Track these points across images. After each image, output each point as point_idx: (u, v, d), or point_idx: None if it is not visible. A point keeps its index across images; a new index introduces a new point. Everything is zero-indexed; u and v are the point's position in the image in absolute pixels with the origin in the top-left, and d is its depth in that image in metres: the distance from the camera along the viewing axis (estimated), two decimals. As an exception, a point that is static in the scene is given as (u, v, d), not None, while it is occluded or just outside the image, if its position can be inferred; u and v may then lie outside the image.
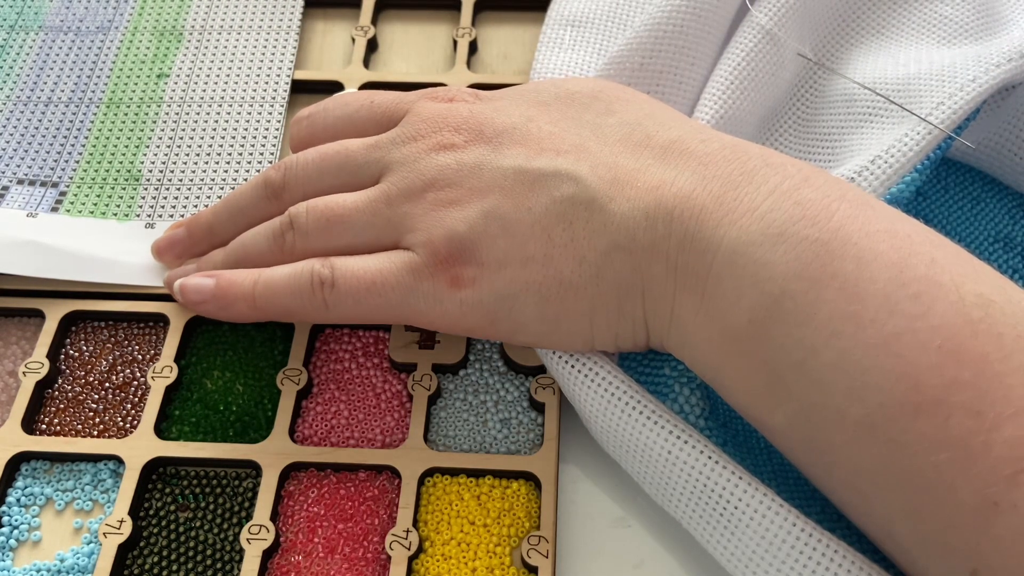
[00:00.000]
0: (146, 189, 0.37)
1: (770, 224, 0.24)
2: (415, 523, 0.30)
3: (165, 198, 0.37)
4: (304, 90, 0.41)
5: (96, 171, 0.38)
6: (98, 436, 0.32)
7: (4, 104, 0.40)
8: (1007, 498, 0.21)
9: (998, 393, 0.21)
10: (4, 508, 0.31)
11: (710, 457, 0.26)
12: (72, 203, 0.37)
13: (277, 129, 0.39)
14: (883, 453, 0.23)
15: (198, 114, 0.39)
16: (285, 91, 0.40)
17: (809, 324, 0.23)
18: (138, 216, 0.37)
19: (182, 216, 0.37)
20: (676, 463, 0.27)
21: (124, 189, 0.37)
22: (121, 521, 0.30)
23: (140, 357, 0.34)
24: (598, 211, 0.26)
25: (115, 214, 0.37)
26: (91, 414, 0.33)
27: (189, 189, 0.37)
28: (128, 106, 0.40)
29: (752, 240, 0.24)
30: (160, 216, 0.37)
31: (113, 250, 0.35)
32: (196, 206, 0.37)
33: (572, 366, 0.29)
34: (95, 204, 0.37)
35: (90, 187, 0.38)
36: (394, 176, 0.29)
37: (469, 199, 0.28)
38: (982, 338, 0.22)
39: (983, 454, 0.21)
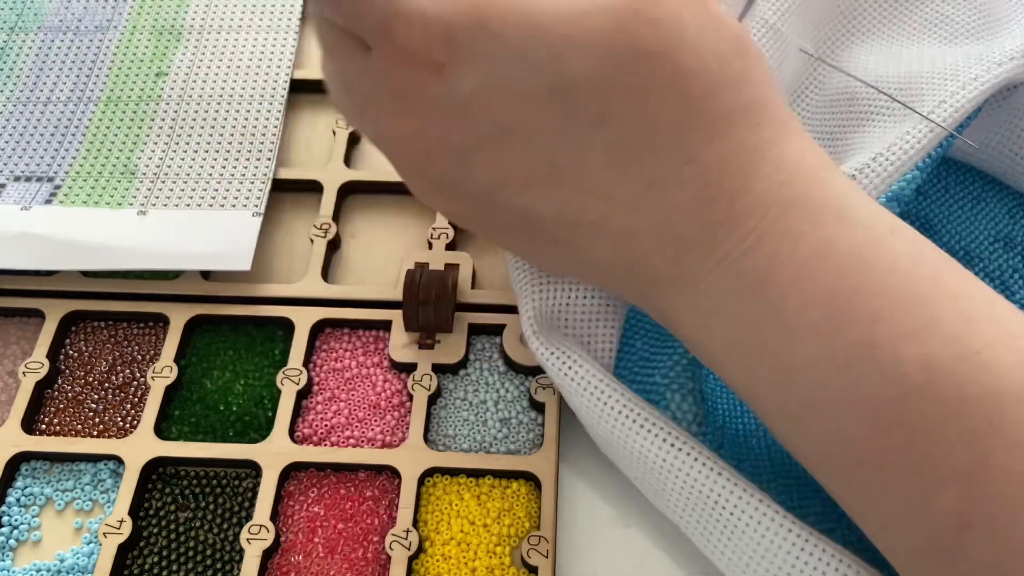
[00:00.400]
0: (141, 182, 0.37)
1: (707, 298, 0.24)
2: (415, 523, 0.30)
3: (160, 190, 0.37)
4: (304, 89, 0.41)
5: (92, 165, 0.38)
6: (98, 436, 0.32)
7: (4, 105, 0.40)
8: (957, 546, 0.21)
9: (936, 458, 0.21)
10: (4, 508, 0.31)
11: (704, 464, 0.26)
12: (66, 195, 0.37)
13: (276, 126, 0.39)
14: (836, 490, 0.24)
15: (196, 111, 0.39)
16: (284, 89, 0.40)
17: (744, 388, 0.25)
18: (131, 205, 0.37)
19: (176, 206, 0.36)
20: (671, 470, 0.27)
21: (119, 182, 0.37)
22: (121, 521, 0.30)
23: (140, 357, 0.34)
24: (557, 246, 0.26)
25: (107, 203, 0.37)
26: (91, 414, 0.33)
27: (185, 183, 0.37)
28: (126, 104, 0.40)
29: (687, 312, 0.25)
30: (154, 205, 0.37)
31: (104, 236, 0.35)
32: (192, 197, 0.37)
33: (565, 374, 0.29)
34: (88, 195, 0.37)
35: (85, 180, 0.38)
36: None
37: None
38: (919, 405, 0.21)
39: (927, 510, 0.21)
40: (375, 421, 0.32)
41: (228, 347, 0.34)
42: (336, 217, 0.37)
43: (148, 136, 0.39)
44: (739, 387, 0.25)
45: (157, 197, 0.37)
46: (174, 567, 0.30)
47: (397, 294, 0.34)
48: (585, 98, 0.23)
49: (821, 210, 0.23)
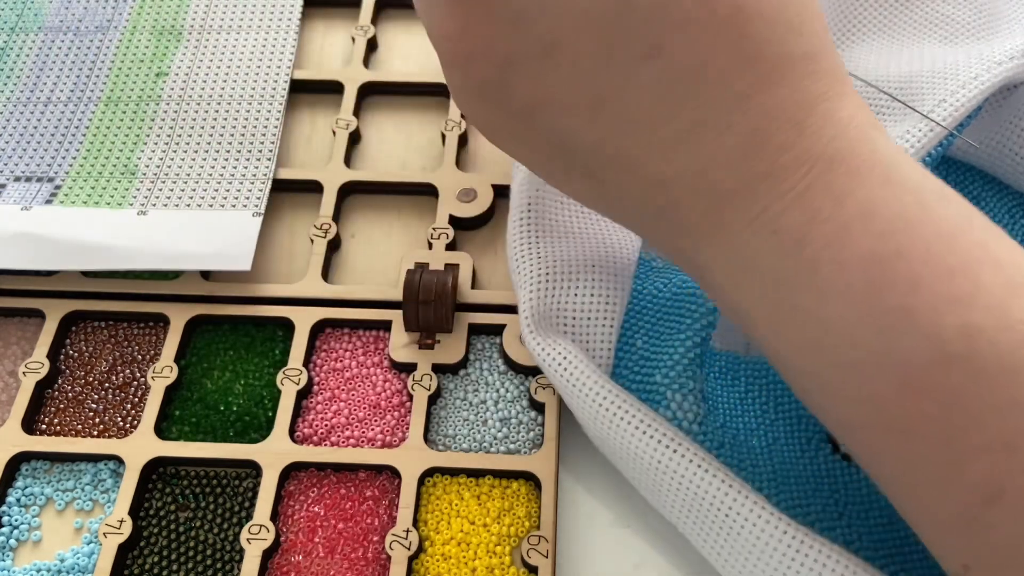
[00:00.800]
0: (141, 182, 0.37)
1: (739, 253, 0.23)
2: (415, 523, 0.30)
3: (160, 190, 0.37)
4: (304, 90, 0.41)
5: (92, 166, 0.38)
6: (98, 436, 0.32)
7: (4, 106, 0.40)
8: (985, 518, 0.20)
9: (971, 427, 0.20)
10: (4, 508, 0.31)
11: (700, 465, 0.26)
12: (67, 195, 0.37)
13: (276, 126, 0.39)
14: (862, 455, 0.23)
15: (196, 111, 0.39)
16: (284, 89, 0.40)
17: (773, 347, 0.24)
18: (131, 205, 0.37)
19: (176, 206, 0.36)
20: (667, 472, 0.27)
21: (119, 182, 0.37)
22: (121, 521, 0.30)
23: (140, 357, 0.34)
24: (590, 180, 0.25)
25: (108, 203, 0.37)
26: (91, 414, 0.33)
27: (185, 183, 0.37)
28: (127, 104, 0.40)
29: (717, 266, 0.24)
30: (154, 205, 0.37)
31: (104, 236, 0.35)
32: (192, 198, 0.37)
33: (560, 375, 0.29)
34: (88, 195, 0.37)
35: (85, 180, 0.38)
36: None
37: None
38: (957, 374, 0.20)
39: (956, 480, 0.21)
40: (375, 421, 0.32)
41: (228, 347, 0.34)
42: (336, 217, 0.37)
43: (148, 136, 0.39)
44: (767, 346, 0.24)
45: (157, 197, 0.37)
46: (174, 567, 0.30)
47: (397, 294, 0.34)
48: (640, 25, 0.22)
49: (868, 170, 0.22)
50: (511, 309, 0.33)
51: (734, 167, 0.23)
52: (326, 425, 0.32)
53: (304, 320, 0.34)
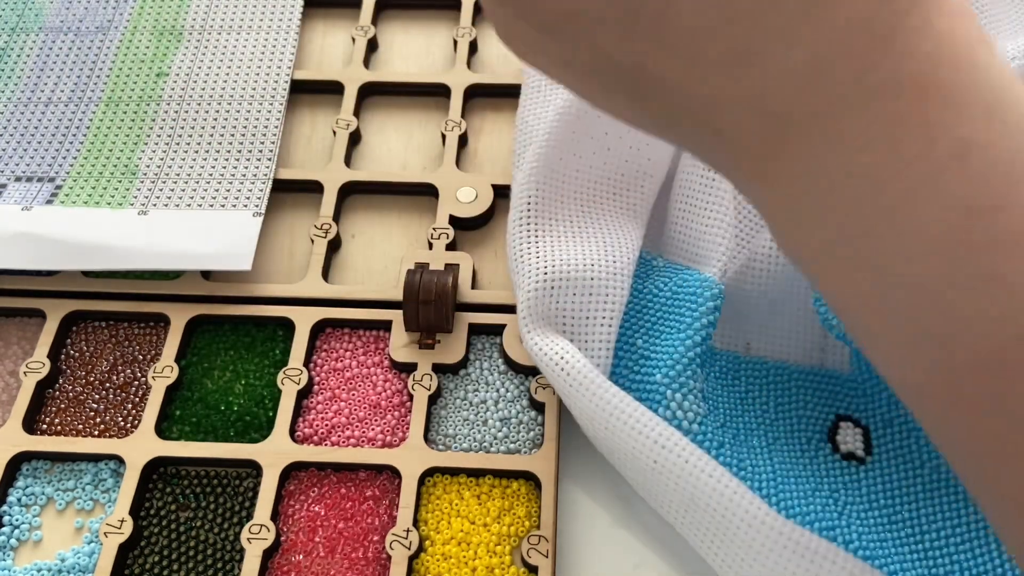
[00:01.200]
0: (142, 182, 0.37)
1: (804, 195, 0.20)
2: (415, 522, 0.30)
3: (161, 190, 0.37)
4: (304, 90, 0.41)
5: (93, 166, 0.38)
6: (99, 436, 0.32)
7: (5, 106, 0.40)
8: None
9: None
10: (5, 508, 0.31)
11: (695, 466, 0.26)
12: (67, 195, 0.37)
13: (276, 126, 0.39)
14: (925, 421, 0.22)
15: (197, 112, 0.40)
16: (285, 89, 0.40)
17: (837, 302, 0.21)
18: (132, 205, 0.37)
19: (177, 207, 0.36)
20: (663, 472, 0.27)
21: (120, 182, 0.38)
22: (122, 521, 0.30)
23: (141, 357, 0.34)
24: (634, 100, 0.21)
25: (108, 203, 0.37)
26: (92, 414, 0.33)
27: (186, 183, 0.37)
28: (127, 104, 0.40)
29: (778, 205, 0.21)
30: (155, 205, 0.37)
31: (105, 236, 0.35)
32: (192, 198, 0.37)
33: (557, 375, 0.29)
34: (89, 195, 0.37)
35: (86, 180, 0.38)
36: None
37: None
38: None
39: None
40: (375, 421, 0.32)
41: (229, 347, 0.34)
42: (336, 217, 0.37)
43: (149, 136, 0.39)
44: (830, 299, 0.22)
45: (158, 197, 0.37)
46: (175, 567, 0.30)
47: (397, 294, 0.34)
48: None
49: (970, 100, 0.18)
50: (511, 309, 0.33)
51: (802, 92, 0.19)
52: (326, 425, 0.32)
53: (304, 320, 0.34)
